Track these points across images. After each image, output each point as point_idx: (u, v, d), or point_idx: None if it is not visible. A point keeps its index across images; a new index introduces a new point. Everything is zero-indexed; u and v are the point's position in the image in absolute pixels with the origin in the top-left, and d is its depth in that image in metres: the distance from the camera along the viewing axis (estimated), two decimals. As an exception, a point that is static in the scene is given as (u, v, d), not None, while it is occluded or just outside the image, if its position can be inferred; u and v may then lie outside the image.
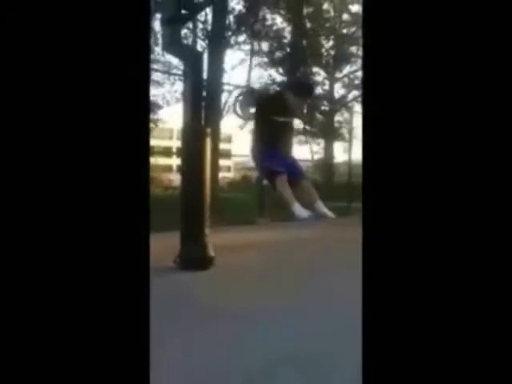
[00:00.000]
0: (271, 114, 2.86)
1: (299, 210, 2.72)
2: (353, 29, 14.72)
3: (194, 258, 3.25)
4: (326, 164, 15.37)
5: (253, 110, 3.06)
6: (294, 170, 2.91)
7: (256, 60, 13.27)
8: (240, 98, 3.12)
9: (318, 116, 14.72)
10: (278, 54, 13.01)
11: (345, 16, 14.83)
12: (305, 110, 3.28)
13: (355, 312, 2.21)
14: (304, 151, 15.79)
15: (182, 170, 3.59)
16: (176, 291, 2.64)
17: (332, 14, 14.49)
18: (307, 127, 13.93)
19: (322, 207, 2.91)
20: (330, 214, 2.90)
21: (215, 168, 6.66)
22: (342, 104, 15.82)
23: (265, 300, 2.45)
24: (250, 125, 3.30)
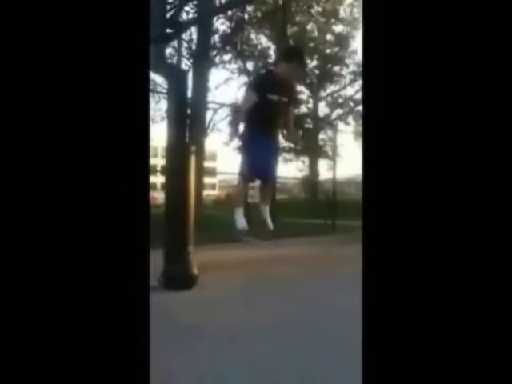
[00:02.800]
0: (265, 93, 2.74)
1: (238, 219, 2.84)
2: (336, 49, 15.01)
3: (178, 276, 3.21)
4: (311, 181, 15.48)
5: (241, 128, 3.00)
6: (264, 174, 2.92)
7: (242, 79, 13.40)
8: (228, 117, 3.10)
9: (303, 134, 14.86)
10: (263, 73, 13.19)
11: (328, 36, 15.11)
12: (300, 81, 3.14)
13: (343, 330, 2.19)
14: (289, 168, 15.89)
15: (166, 187, 3.56)
16: (160, 311, 2.58)
17: (316, 34, 14.76)
18: (293, 144, 13.99)
19: (265, 213, 3.00)
20: (269, 223, 2.97)
21: (200, 186, 6.63)
22: (326, 122, 16.03)
23: (250, 320, 2.42)
24: (236, 142, 3.20)
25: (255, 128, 2.77)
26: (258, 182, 3.08)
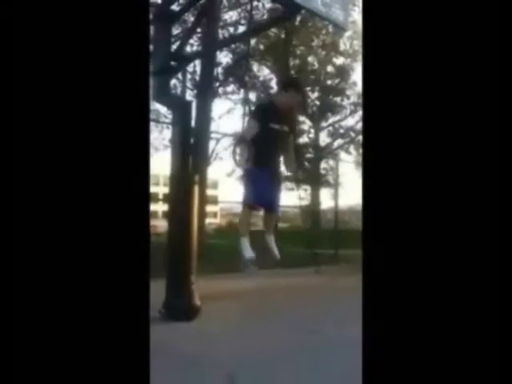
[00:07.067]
0: (265, 123, 2.79)
1: (245, 249, 2.77)
2: (336, 80, 15.27)
3: (180, 307, 3.16)
4: (313, 210, 15.44)
5: (244, 157, 2.99)
6: (267, 203, 2.90)
7: (244, 109, 13.56)
8: (237, 147, 3.08)
9: (305, 163, 14.93)
10: (265, 104, 13.38)
11: (329, 68, 15.39)
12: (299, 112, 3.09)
13: (347, 361, 2.14)
14: (291, 197, 15.91)
15: (168, 216, 3.56)
16: (161, 343, 2.53)
17: (316, 66, 15.05)
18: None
19: (271, 242, 2.95)
20: (276, 253, 2.91)
21: (202, 214, 6.63)
22: (327, 152, 16.15)
23: (252, 352, 2.37)
24: (239, 171, 3.19)
25: (258, 157, 2.80)
26: (261, 212, 3.06)
